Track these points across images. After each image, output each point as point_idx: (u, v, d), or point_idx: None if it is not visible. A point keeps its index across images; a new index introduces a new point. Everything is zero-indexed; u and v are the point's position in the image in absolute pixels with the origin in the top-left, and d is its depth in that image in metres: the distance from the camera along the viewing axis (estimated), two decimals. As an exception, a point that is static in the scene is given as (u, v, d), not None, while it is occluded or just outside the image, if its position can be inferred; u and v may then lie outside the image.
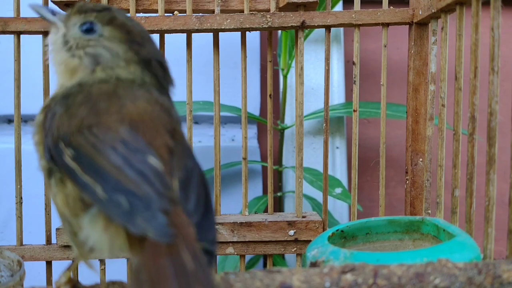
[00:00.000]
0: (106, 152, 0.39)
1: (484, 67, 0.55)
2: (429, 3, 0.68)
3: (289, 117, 1.10)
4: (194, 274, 0.33)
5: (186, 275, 0.33)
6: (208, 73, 0.87)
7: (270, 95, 0.78)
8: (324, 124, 0.76)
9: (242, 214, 0.80)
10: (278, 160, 1.08)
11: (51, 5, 0.76)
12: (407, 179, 0.76)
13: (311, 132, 1.10)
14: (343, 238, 0.62)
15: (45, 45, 0.75)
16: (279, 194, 1.09)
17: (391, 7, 0.75)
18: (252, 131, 1.13)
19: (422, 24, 0.74)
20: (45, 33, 0.75)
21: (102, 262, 0.76)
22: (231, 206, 1.05)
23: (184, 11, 0.77)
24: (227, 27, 0.75)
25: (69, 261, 0.65)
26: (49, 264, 0.76)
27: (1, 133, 1.06)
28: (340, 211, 1.09)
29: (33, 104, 0.67)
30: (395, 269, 0.44)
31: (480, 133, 0.57)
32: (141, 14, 0.77)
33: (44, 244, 0.76)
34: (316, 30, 1.03)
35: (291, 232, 0.75)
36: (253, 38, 1.08)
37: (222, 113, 0.83)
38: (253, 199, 1.01)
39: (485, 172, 0.54)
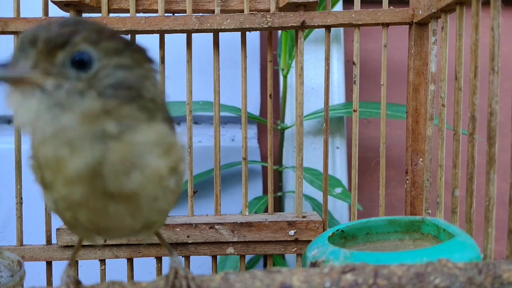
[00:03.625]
0: None
1: (484, 67, 0.55)
2: (429, 3, 0.68)
3: (289, 117, 1.09)
4: None
5: None
6: (208, 73, 0.87)
7: (270, 95, 0.78)
8: (324, 124, 0.76)
9: (242, 214, 0.80)
10: (278, 160, 1.08)
11: (51, 5, 0.76)
12: (407, 179, 0.76)
13: (311, 132, 1.10)
14: (343, 238, 0.62)
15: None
16: (279, 194, 1.09)
17: (391, 7, 0.75)
18: (252, 131, 1.13)
19: (422, 24, 0.74)
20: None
21: (102, 262, 0.77)
22: (231, 206, 1.05)
23: (184, 11, 0.77)
24: (227, 27, 0.75)
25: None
26: (49, 264, 0.76)
27: (1, 133, 1.06)
28: (340, 211, 1.09)
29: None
30: (395, 269, 0.44)
31: (480, 133, 0.57)
32: (141, 14, 0.77)
33: (44, 245, 0.76)
34: (316, 30, 1.03)
35: (291, 232, 0.75)
36: (253, 38, 1.08)
37: (222, 113, 0.83)
38: (253, 199, 1.01)
39: (485, 172, 0.54)
